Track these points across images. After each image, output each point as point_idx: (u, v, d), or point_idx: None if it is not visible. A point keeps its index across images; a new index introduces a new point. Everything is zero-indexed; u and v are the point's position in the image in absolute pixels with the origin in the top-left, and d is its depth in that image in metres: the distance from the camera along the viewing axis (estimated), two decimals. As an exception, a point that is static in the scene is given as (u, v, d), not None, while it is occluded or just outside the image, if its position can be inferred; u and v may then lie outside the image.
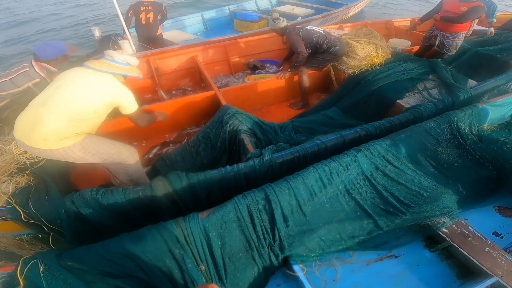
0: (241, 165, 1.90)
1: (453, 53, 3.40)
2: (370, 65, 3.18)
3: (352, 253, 1.72)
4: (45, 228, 1.61)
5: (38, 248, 1.90)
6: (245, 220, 1.55)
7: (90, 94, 1.67)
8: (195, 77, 3.72)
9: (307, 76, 3.15)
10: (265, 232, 1.57)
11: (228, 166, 1.89)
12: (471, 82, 2.99)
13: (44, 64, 2.38)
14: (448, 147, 2.14)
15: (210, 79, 3.10)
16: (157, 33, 4.19)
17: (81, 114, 1.65)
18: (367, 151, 1.88)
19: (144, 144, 2.81)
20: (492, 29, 4.03)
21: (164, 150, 2.63)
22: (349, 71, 3.12)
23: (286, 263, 1.60)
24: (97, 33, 3.81)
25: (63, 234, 1.65)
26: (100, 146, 1.82)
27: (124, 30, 3.48)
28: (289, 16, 5.41)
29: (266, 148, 2.08)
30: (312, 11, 5.91)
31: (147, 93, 3.49)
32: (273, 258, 1.56)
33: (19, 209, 1.58)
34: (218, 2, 8.83)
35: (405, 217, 1.73)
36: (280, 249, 1.57)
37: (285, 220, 1.61)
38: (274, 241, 1.57)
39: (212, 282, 1.45)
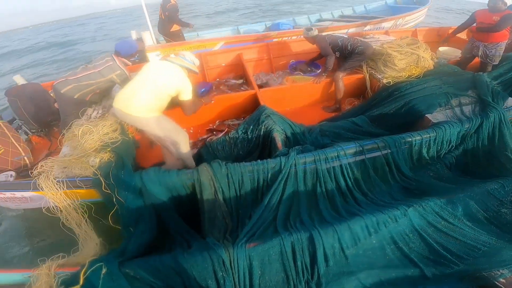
0: (270, 161, 2.27)
1: (497, 63, 3.40)
2: (408, 76, 3.22)
3: None
4: (114, 199, 2.09)
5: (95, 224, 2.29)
6: (288, 255, 1.67)
7: (171, 80, 2.33)
8: (239, 73, 4.11)
9: (342, 82, 3.36)
10: (304, 268, 1.66)
11: (259, 160, 2.27)
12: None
13: (123, 59, 2.94)
14: None
15: (252, 77, 3.47)
16: (170, 30, 4.98)
17: (162, 93, 2.30)
18: (419, 207, 1.89)
19: (191, 131, 3.32)
20: None
21: (208, 138, 3.10)
22: (385, 81, 3.22)
23: None
24: (134, 35, 4.58)
25: (123, 207, 2.11)
26: (167, 124, 2.45)
27: (148, 25, 4.11)
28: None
29: (293, 148, 2.41)
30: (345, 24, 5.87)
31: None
32: None
33: (102, 179, 2.11)
34: (259, 19, 9.80)
35: (457, 268, 1.69)
36: (317, 286, 1.63)
37: (326, 260, 1.68)
38: (312, 278, 1.64)
39: None
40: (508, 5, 3.17)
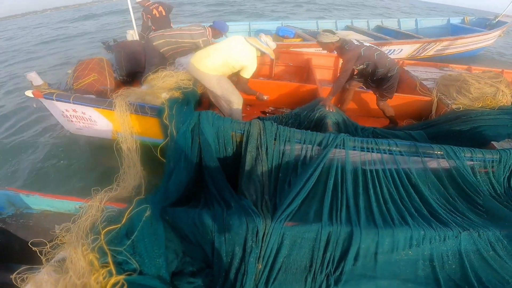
0: (319, 134, 2.31)
1: None
2: (481, 106, 3.03)
3: None
4: (169, 129, 2.30)
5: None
6: (321, 244, 1.65)
7: (239, 54, 2.72)
8: (303, 75, 4.33)
9: (388, 104, 3.19)
10: (331, 261, 1.64)
11: (309, 131, 2.34)
12: None
13: (209, 29, 3.42)
14: None
15: (316, 77, 3.64)
16: (170, 25, 5.16)
17: (230, 62, 2.71)
18: (475, 233, 1.79)
19: (248, 108, 3.57)
20: None
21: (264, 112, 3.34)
22: (454, 106, 3.08)
23: None
24: (130, 37, 4.65)
25: (174, 139, 2.30)
26: (226, 83, 2.82)
27: (133, 25, 4.35)
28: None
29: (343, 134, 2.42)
30: (370, 39, 5.45)
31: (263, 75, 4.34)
32: (324, 286, 1.60)
33: (166, 108, 2.38)
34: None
35: None
36: (335, 281, 1.60)
37: (356, 259, 1.65)
38: (334, 272, 1.62)
39: (259, 282, 1.53)
40: None
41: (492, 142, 2.58)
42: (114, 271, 1.35)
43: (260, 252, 1.58)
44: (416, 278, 1.67)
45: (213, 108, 3.29)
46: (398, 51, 5.38)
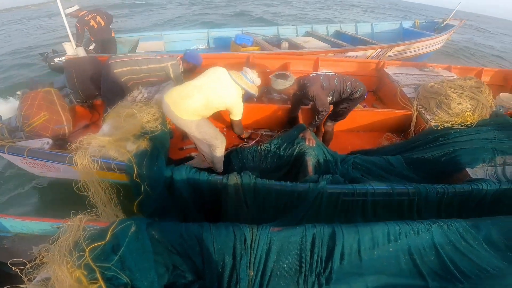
0: (298, 185, 2.25)
1: None
2: (460, 122, 3.03)
3: None
4: (142, 188, 2.17)
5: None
6: (307, 246, 1.70)
7: (224, 96, 2.38)
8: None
9: (333, 130, 3.04)
10: (319, 262, 1.69)
11: (288, 182, 2.26)
12: None
13: (180, 59, 2.99)
14: None
15: None
16: (111, 35, 4.78)
17: (212, 104, 2.36)
18: (444, 225, 1.93)
19: (225, 130, 3.37)
20: None
21: (240, 145, 3.11)
22: (433, 123, 3.05)
23: None
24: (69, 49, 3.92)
25: (149, 198, 2.20)
26: (207, 128, 2.50)
27: (68, 35, 3.66)
28: (295, 46, 5.28)
29: (323, 176, 2.37)
30: (328, 46, 5.31)
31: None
32: (316, 286, 1.66)
33: (135, 168, 2.18)
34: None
35: (461, 286, 1.73)
36: (326, 280, 1.66)
37: (342, 257, 1.72)
38: (324, 272, 1.68)
39: None
40: None
41: (466, 169, 2.63)
42: (104, 287, 1.36)
43: (250, 259, 1.63)
44: (401, 272, 1.78)
45: (187, 139, 3.06)
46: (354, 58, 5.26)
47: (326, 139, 3.07)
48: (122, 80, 2.87)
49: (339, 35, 6.76)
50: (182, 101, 2.33)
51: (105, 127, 2.61)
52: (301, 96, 2.77)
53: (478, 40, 13.49)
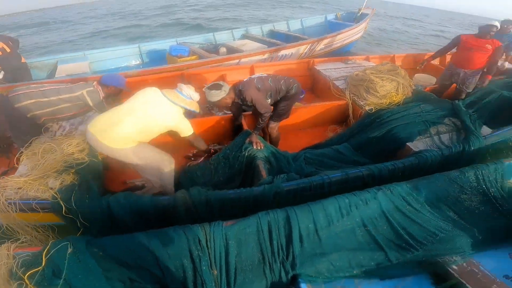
0: (254, 189, 2.12)
1: (471, 90, 3.53)
2: (389, 103, 3.29)
3: (358, 282, 1.73)
4: (78, 223, 1.89)
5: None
6: (264, 234, 1.66)
7: (162, 118, 2.17)
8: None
9: (278, 131, 3.02)
10: (280, 248, 1.66)
11: (242, 188, 2.12)
12: (486, 129, 2.98)
13: (97, 85, 2.59)
14: (472, 193, 2.19)
15: None
16: (22, 61, 4.28)
17: (150, 128, 2.15)
18: (387, 190, 1.99)
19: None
20: (506, 63, 4.11)
21: (188, 164, 2.88)
22: (367, 108, 3.26)
23: (294, 282, 1.65)
24: None
25: (90, 229, 1.93)
26: (148, 153, 2.25)
27: None
28: (232, 50, 5.47)
29: (278, 176, 2.29)
30: (265, 46, 5.57)
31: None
32: (283, 274, 1.62)
33: (62, 204, 1.87)
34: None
35: (417, 253, 1.77)
36: (291, 266, 1.64)
37: (301, 240, 1.70)
38: (287, 258, 1.65)
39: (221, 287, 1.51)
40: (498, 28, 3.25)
41: (407, 144, 2.80)
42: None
43: (210, 259, 1.55)
44: (359, 245, 1.80)
45: (127, 167, 2.73)
46: (289, 55, 5.55)
47: (273, 141, 3.03)
48: (28, 116, 2.39)
49: (273, 34, 6.95)
50: (110, 129, 2.05)
51: (22, 168, 2.23)
52: (240, 103, 2.69)
53: (391, 27, 14.58)
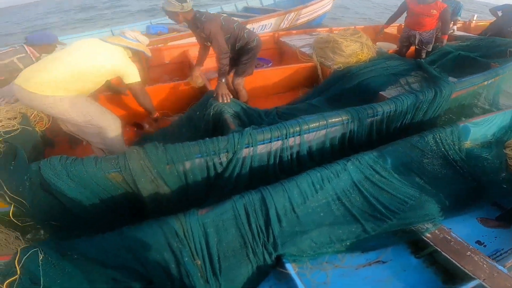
0: (220, 138, 1.87)
1: (430, 50, 3.65)
2: (356, 61, 3.25)
3: (342, 257, 1.77)
4: (6, 198, 1.53)
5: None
6: (242, 219, 1.61)
7: (99, 58, 1.85)
8: (185, 71, 3.75)
9: (244, 88, 2.79)
10: (260, 231, 1.62)
11: (207, 138, 1.86)
12: (452, 79, 2.99)
13: (30, 48, 2.37)
14: (433, 157, 2.23)
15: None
16: None
17: (84, 72, 1.81)
18: (356, 160, 1.98)
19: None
20: (455, 27, 4.33)
21: (142, 133, 2.53)
22: (335, 67, 3.18)
23: (279, 262, 1.64)
24: None
25: (25, 206, 1.57)
26: (89, 107, 1.91)
27: None
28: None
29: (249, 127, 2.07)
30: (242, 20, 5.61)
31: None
32: (266, 256, 1.59)
33: None
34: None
35: (391, 223, 1.78)
36: (273, 247, 1.61)
37: (279, 220, 1.66)
38: (268, 240, 1.61)
39: (207, 277, 1.47)
40: None
41: (380, 92, 2.74)
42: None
43: (191, 249, 1.50)
44: (336, 219, 1.80)
45: (77, 144, 2.36)
46: (263, 27, 5.56)
47: (240, 99, 2.77)
48: None
49: (247, 9, 6.98)
50: (35, 76, 1.72)
51: None
52: (198, 32, 2.40)
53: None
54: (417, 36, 3.58)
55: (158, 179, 1.74)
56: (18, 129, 1.84)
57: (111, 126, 1.98)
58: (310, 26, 6.34)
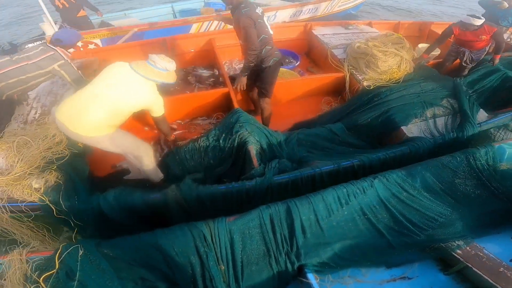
0: (245, 183, 2.10)
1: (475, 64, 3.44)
2: (389, 79, 3.10)
3: (365, 272, 1.77)
4: (71, 223, 1.88)
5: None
6: (267, 228, 1.68)
7: (133, 97, 1.96)
8: (210, 61, 3.68)
9: (270, 105, 2.83)
10: (283, 240, 1.68)
11: (233, 183, 2.10)
12: (482, 114, 2.92)
13: (61, 49, 2.36)
14: (466, 178, 2.19)
15: (224, 69, 3.14)
16: (78, 15, 4.73)
17: (121, 111, 1.95)
18: (383, 178, 1.99)
19: (147, 129, 2.96)
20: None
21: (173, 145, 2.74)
22: (365, 83, 3.08)
23: (300, 272, 1.69)
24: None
25: (85, 228, 1.93)
26: (125, 140, 2.12)
27: (45, 14, 3.91)
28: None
29: (269, 164, 2.26)
30: (290, 2, 5.42)
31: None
32: (288, 265, 1.66)
33: (52, 207, 1.82)
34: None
35: (419, 239, 1.79)
36: (296, 257, 1.67)
37: (303, 231, 1.71)
38: (291, 249, 1.68)
39: (229, 282, 1.55)
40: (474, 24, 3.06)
41: (401, 127, 2.73)
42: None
43: (216, 254, 1.59)
44: (361, 233, 1.83)
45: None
46: (273, 18, 5.23)
47: (265, 117, 2.91)
48: (3, 99, 2.22)
49: None
50: (79, 117, 1.86)
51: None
52: (234, 19, 2.45)
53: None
54: (467, 54, 3.30)
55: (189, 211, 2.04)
56: (67, 154, 2.08)
57: (144, 156, 2.21)
58: (345, 17, 5.82)
